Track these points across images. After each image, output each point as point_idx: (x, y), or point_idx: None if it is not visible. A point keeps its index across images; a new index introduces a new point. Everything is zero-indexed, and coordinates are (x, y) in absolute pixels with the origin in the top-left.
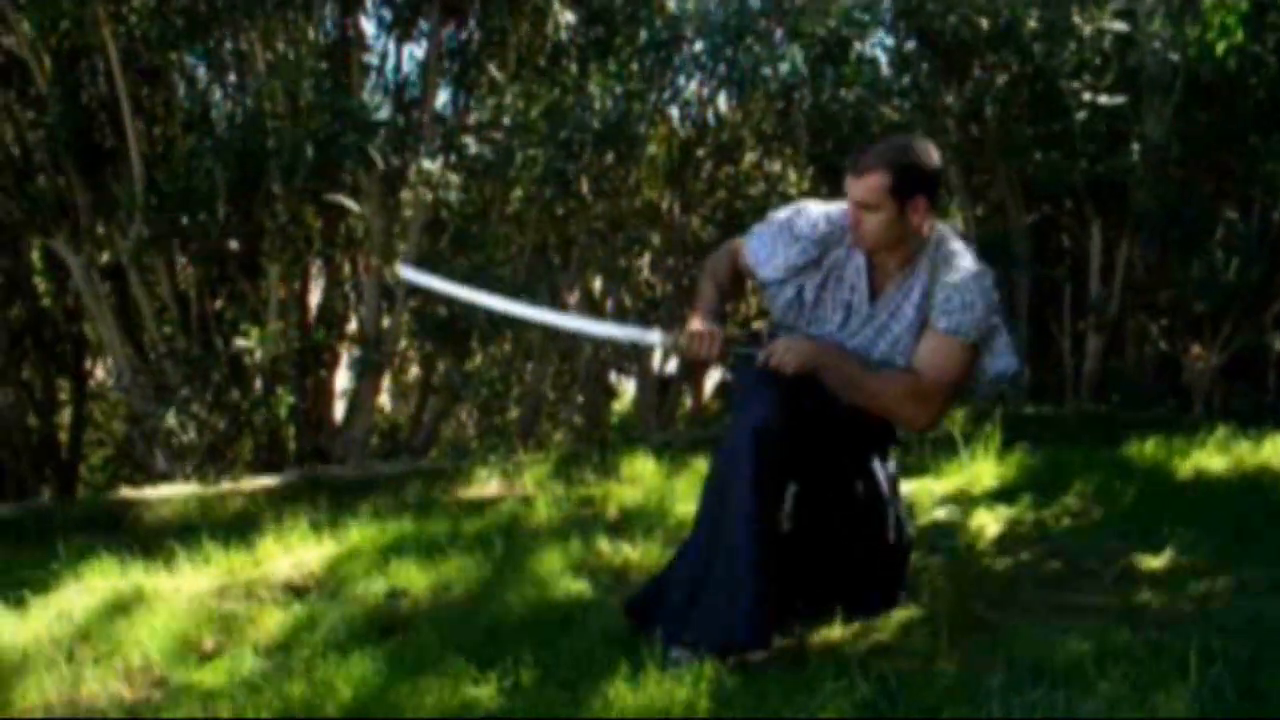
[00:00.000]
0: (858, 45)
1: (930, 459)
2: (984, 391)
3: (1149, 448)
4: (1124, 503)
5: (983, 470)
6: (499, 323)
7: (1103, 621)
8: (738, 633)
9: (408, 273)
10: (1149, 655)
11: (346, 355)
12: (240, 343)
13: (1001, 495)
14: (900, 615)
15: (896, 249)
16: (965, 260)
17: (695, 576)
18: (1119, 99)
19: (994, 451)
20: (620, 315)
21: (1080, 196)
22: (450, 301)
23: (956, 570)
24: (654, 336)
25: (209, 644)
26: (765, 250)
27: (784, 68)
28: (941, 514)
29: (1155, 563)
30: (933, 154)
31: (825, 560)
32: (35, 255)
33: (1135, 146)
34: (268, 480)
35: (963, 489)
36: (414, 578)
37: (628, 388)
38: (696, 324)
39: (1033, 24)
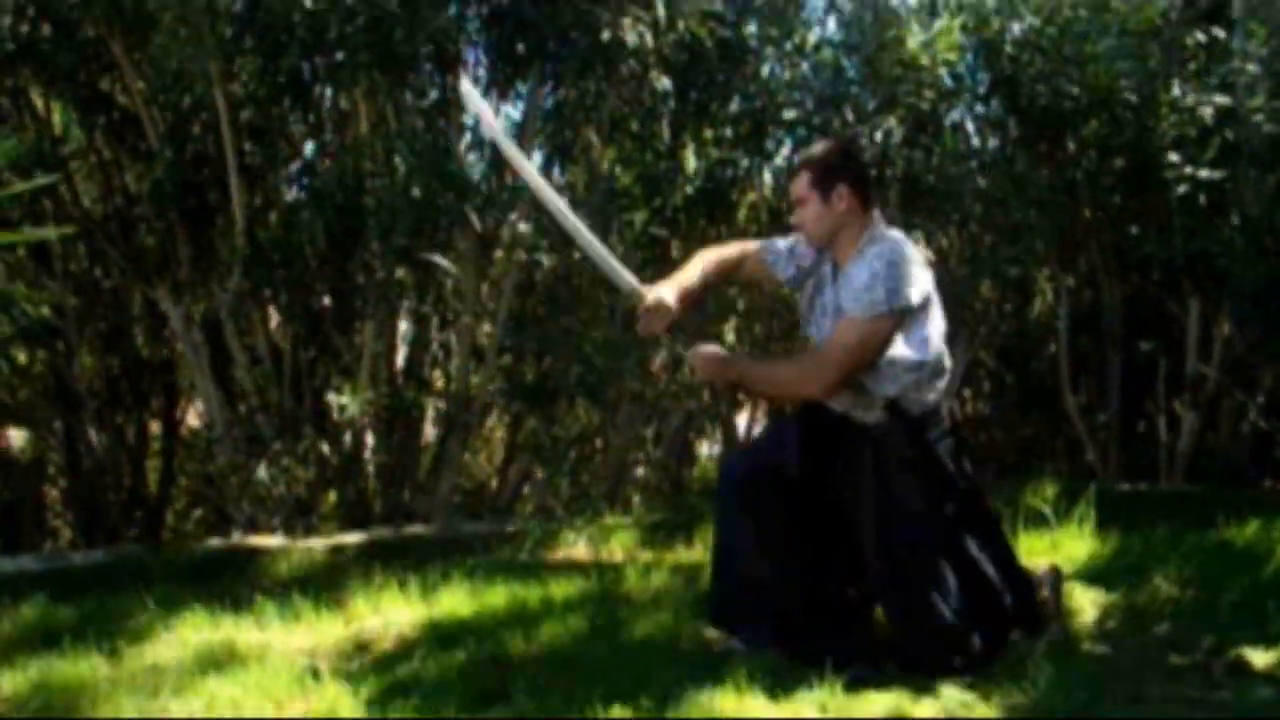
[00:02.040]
0: (952, 115)
1: (1020, 535)
2: (900, 382)
3: (1250, 530)
4: (1226, 589)
5: (1077, 549)
6: (589, 386)
7: None
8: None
9: (467, 88)
10: None
11: (432, 412)
12: (333, 398)
13: (1097, 577)
14: (1005, 701)
15: (841, 242)
16: (878, 247)
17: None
18: (1219, 173)
19: (1089, 531)
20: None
21: (1177, 270)
22: (540, 362)
23: (1057, 656)
24: (628, 285)
25: (303, 706)
26: (780, 261)
27: (878, 136)
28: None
29: (1267, 656)
30: (846, 150)
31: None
32: (135, 304)
33: (1234, 220)
34: (354, 537)
35: (1062, 576)
36: (508, 644)
37: (707, 450)
38: (660, 295)
39: (1129, 95)
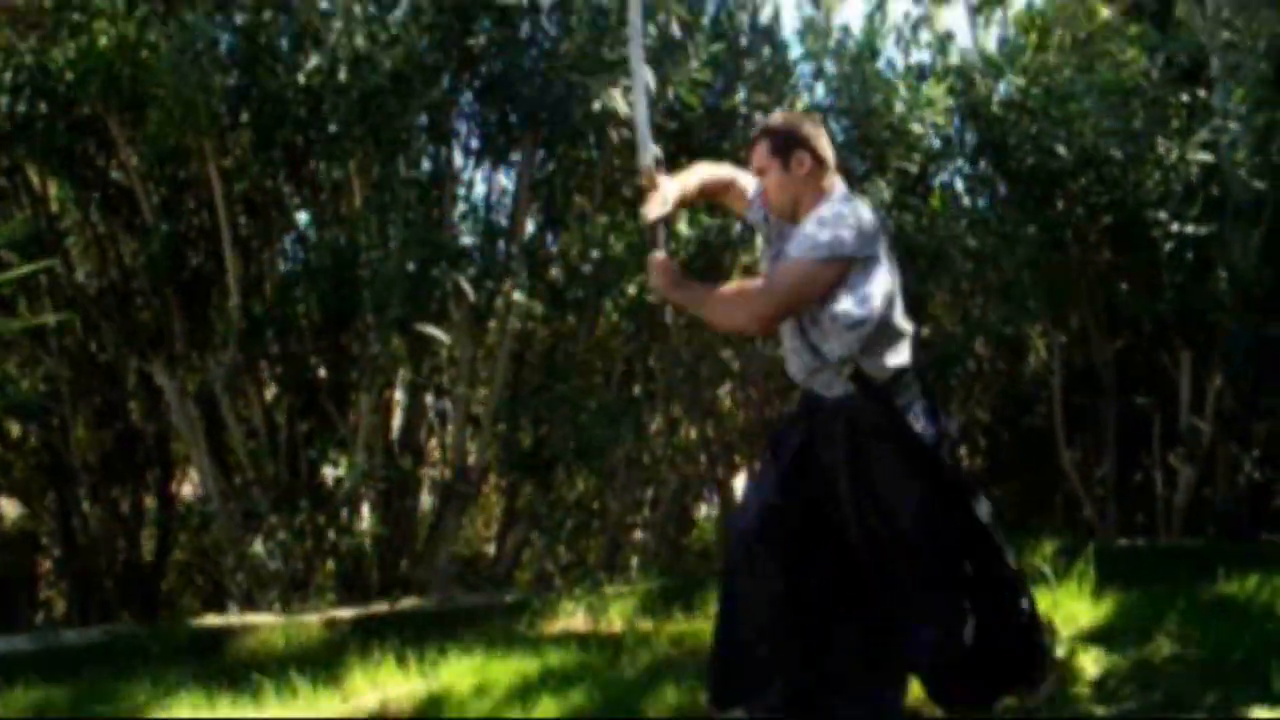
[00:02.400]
0: (941, 176)
1: None
2: (844, 340)
3: (1250, 584)
4: (1229, 646)
5: (1077, 610)
6: (584, 453)
7: None
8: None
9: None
10: None
11: (428, 481)
12: (329, 471)
13: (1098, 636)
14: None
15: (802, 207)
16: (831, 206)
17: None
18: (1205, 229)
19: (1088, 590)
20: (702, 446)
21: (1168, 326)
22: (536, 430)
23: (1059, 717)
24: (648, 161)
25: None
26: (755, 201)
27: (867, 198)
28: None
29: (1273, 715)
30: (800, 118)
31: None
32: (130, 378)
33: (1222, 274)
34: (350, 611)
35: (1055, 628)
36: None
37: (705, 512)
38: (666, 188)
39: (1115, 153)
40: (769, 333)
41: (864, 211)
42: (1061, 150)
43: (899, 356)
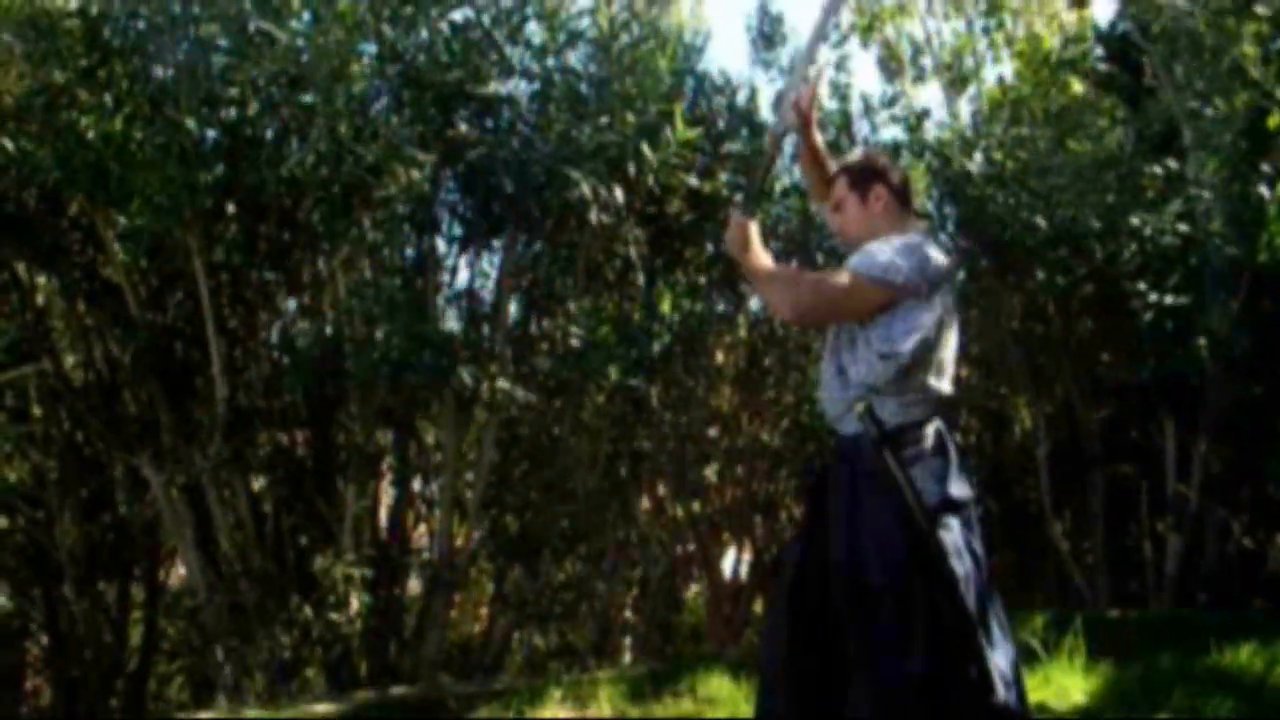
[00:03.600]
0: None
1: None
2: (871, 367)
3: (1243, 654)
4: (1223, 718)
5: (1069, 684)
6: (571, 537)
7: None
8: None
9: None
10: None
11: (416, 566)
12: (320, 561)
13: (1091, 712)
14: None
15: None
16: (905, 237)
17: None
18: (1184, 299)
19: (1079, 664)
20: (689, 523)
21: (1151, 394)
22: (523, 516)
23: None
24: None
25: None
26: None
27: None
28: None
29: None
30: (879, 155)
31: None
32: (118, 470)
33: (1202, 342)
34: (338, 704)
35: (1046, 704)
36: None
37: (695, 590)
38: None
39: (1093, 223)
40: (801, 325)
41: (936, 256)
42: (1040, 222)
43: (916, 410)
